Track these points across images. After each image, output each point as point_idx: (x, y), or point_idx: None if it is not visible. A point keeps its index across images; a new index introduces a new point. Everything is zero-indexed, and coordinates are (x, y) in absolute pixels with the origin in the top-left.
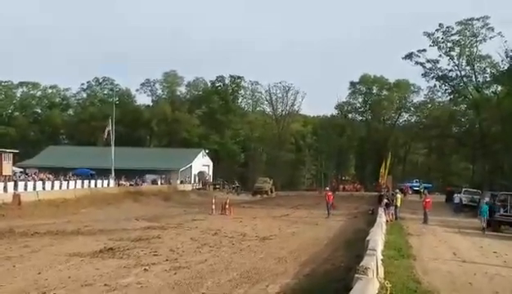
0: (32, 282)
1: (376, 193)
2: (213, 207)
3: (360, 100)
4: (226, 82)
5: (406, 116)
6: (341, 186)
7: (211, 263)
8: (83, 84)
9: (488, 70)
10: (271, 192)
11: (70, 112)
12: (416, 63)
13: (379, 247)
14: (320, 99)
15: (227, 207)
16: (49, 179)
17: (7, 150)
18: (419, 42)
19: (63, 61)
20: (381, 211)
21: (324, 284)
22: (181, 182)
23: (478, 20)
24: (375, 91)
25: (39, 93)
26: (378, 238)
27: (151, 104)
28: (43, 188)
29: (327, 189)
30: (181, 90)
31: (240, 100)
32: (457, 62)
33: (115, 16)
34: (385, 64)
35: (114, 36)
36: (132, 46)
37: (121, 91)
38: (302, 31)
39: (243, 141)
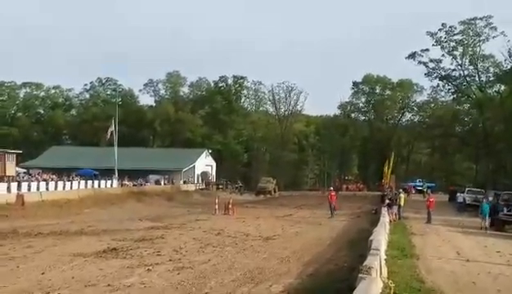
0: (35, 283)
1: (379, 193)
2: (217, 207)
3: (363, 99)
4: (229, 82)
5: (409, 116)
6: (344, 186)
7: (214, 263)
8: (86, 85)
9: (491, 70)
10: (275, 192)
11: (73, 112)
12: (419, 62)
13: (383, 247)
14: (322, 99)
15: (230, 207)
16: (52, 179)
17: (10, 151)
18: (420, 42)
19: (63, 61)
20: (384, 210)
21: (327, 284)
22: (185, 182)
23: (481, 19)
24: (377, 91)
25: (42, 94)
26: (381, 237)
27: (154, 104)
28: (47, 188)
29: (331, 188)
30: (184, 90)
31: (243, 100)
32: (460, 61)
33: (115, 16)
34: (386, 64)
35: (114, 36)
36: (132, 47)
37: (124, 91)
38: (302, 31)
39: (246, 141)
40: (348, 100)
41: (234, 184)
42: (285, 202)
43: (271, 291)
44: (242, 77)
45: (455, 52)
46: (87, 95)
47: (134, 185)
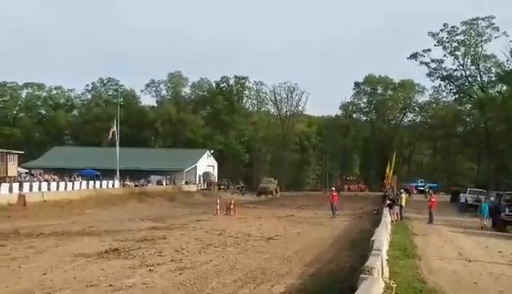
0: (37, 283)
1: (381, 194)
2: (218, 207)
3: (364, 100)
4: (231, 82)
5: (410, 116)
6: (346, 186)
7: (216, 263)
8: (87, 85)
9: (493, 70)
10: (276, 192)
11: (75, 113)
12: (421, 63)
13: (384, 247)
14: (323, 99)
15: (232, 207)
16: (54, 180)
17: (12, 151)
18: (420, 42)
19: (63, 61)
20: (386, 211)
21: (329, 284)
22: (186, 183)
23: (483, 19)
24: (379, 91)
25: (44, 94)
26: (383, 238)
27: (156, 104)
28: (48, 189)
29: (333, 189)
30: (186, 90)
31: (244, 101)
32: (462, 62)
33: (115, 16)
34: (387, 65)
35: (114, 36)
36: (132, 47)
37: (126, 91)
38: (302, 31)
39: (247, 142)
40: (349, 101)
41: (235, 184)
42: (286, 203)
43: (272, 292)
44: (244, 78)
45: (457, 52)
46: (89, 96)
47: (136, 186)
